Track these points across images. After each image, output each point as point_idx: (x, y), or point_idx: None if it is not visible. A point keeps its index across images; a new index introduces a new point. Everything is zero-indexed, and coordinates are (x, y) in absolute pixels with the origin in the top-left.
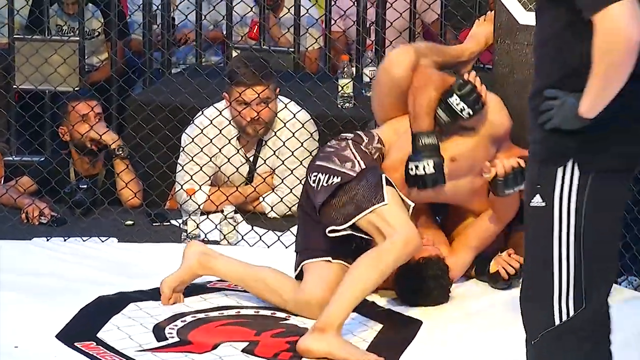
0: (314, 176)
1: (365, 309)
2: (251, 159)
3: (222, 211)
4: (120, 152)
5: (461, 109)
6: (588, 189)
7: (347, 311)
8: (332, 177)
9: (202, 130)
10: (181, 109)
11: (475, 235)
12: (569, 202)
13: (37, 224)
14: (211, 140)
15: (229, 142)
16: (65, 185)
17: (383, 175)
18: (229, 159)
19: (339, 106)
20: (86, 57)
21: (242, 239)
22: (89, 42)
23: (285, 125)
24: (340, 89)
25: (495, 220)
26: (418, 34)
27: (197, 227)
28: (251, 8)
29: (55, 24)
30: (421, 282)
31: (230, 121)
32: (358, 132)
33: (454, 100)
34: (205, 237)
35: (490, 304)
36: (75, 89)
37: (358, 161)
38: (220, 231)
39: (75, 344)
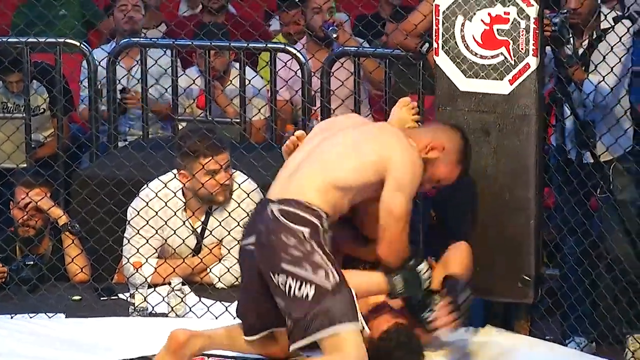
0: (282, 279)
1: None
2: (198, 230)
3: (169, 283)
4: (71, 229)
5: (426, 278)
6: None
7: None
8: (304, 285)
9: (147, 203)
10: (126, 182)
11: None
12: None
13: None
14: (157, 212)
15: (175, 214)
16: (11, 262)
17: (352, 290)
18: (175, 231)
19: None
20: (31, 133)
21: (190, 310)
22: (34, 118)
23: (231, 197)
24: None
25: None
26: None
27: (145, 300)
28: (193, 81)
29: (0, 101)
30: (389, 355)
31: (175, 193)
32: (306, 215)
33: (423, 269)
34: (153, 309)
35: None
36: (21, 166)
37: (332, 271)
38: (168, 303)
39: None
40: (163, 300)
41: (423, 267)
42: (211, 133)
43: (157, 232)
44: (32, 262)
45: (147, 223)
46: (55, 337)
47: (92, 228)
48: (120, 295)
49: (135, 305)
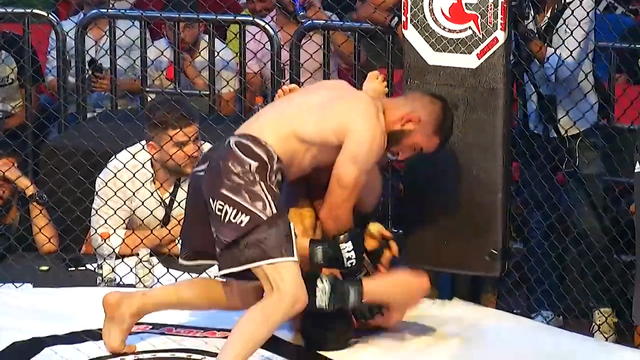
0: (220, 205)
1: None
2: (167, 201)
3: (137, 254)
4: (39, 199)
5: (348, 257)
6: None
7: None
8: (240, 213)
9: (115, 174)
10: (94, 153)
11: None
12: None
13: None
14: (125, 184)
15: (143, 185)
16: None
17: (292, 226)
18: (143, 202)
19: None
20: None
21: (158, 281)
22: (2, 88)
23: None
24: None
25: None
26: (332, 73)
27: (113, 270)
28: (162, 52)
29: None
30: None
31: (143, 165)
32: (258, 150)
33: (346, 247)
34: (121, 280)
35: (407, 342)
36: None
37: (269, 203)
38: (136, 274)
39: None
40: (131, 271)
41: (347, 245)
42: (180, 105)
43: (125, 204)
44: None
45: (115, 194)
46: (23, 306)
47: (59, 198)
48: (88, 266)
49: (103, 276)
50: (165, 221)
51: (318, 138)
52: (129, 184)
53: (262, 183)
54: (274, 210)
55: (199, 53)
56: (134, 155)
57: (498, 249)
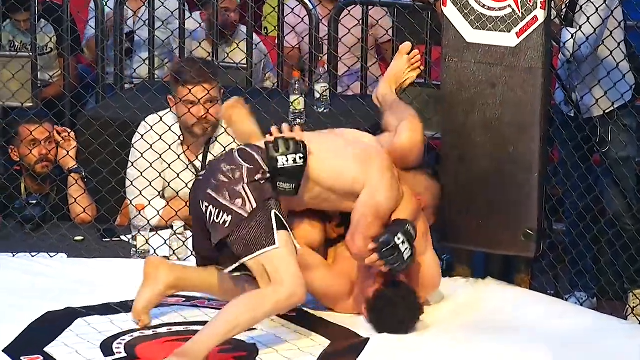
0: (205, 206)
1: (313, 324)
2: (198, 166)
3: (171, 227)
4: (79, 172)
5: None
6: None
7: (213, 346)
8: (222, 213)
9: (142, 136)
10: (130, 124)
11: None
12: None
13: None
14: (151, 146)
15: (170, 148)
16: (14, 201)
17: (274, 214)
18: (174, 171)
19: (290, 122)
20: (38, 72)
21: (192, 254)
22: (40, 57)
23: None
24: (291, 105)
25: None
26: (370, 49)
27: (147, 242)
28: (200, 24)
29: (7, 39)
30: (388, 313)
31: (170, 127)
32: (254, 154)
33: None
34: (155, 252)
35: (440, 320)
36: (26, 105)
37: (249, 199)
38: (170, 247)
39: (22, 358)
40: (165, 243)
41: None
42: (204, 61)
43: (159, 175)
44: (35, 201)
45: (142, 155)
46: (57, 276)
47: (95, 169)
48: (123, 237)
49: (137, 247)
50: None
51: (330, 181)
52: (158, 148)
53: (246, 181)
54: (254, 205)
55: (237, 26)
56: (161, 118)
57: (533, 229)
